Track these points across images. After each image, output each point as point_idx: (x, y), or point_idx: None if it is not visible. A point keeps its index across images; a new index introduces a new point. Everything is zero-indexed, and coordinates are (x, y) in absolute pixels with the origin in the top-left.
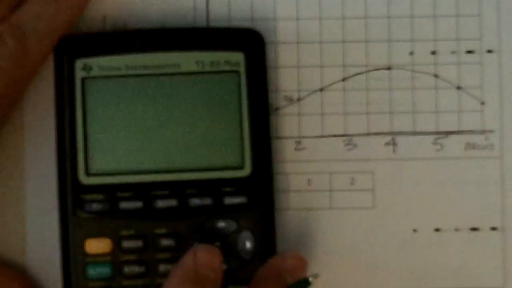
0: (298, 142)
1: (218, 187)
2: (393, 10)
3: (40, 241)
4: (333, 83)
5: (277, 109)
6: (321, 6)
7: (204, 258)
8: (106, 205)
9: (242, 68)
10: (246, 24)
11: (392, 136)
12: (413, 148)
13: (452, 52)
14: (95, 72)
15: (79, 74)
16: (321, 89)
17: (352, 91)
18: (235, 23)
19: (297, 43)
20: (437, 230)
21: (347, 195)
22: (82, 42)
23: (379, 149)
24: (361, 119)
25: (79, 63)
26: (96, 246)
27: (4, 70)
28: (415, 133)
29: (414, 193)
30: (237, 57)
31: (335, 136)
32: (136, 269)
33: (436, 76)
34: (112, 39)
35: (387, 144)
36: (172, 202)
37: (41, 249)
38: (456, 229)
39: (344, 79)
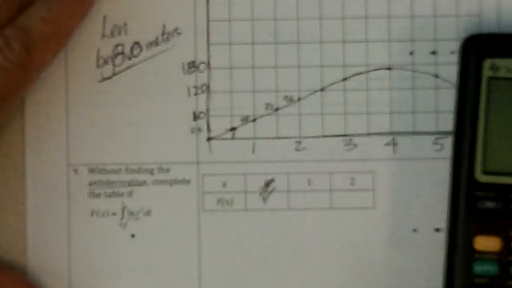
0: (298, 142)
1: None
2: (393, 10)
3: (40, 241)
4: (333, 83)
5: (277, 109)
6: (321, 6)
7: None
8: (499, 204)
9: None
10: (246, 24)
11: (392, 136)
12: (413, 148)
13: (452, 52)
14: (502, 72)
15: (486, 73)
16: (321, 89)
17: (352, 91)
18: (235, 23)
19: (298, 43)
20: (437, 230)
21: (347, 195)
22: (491, 41)
23: (379, 149)
24: (361, 119)
25: (487, 63)
26: (486, 243)
27: (9, 74)
28: (415, 133)
29: (414, 193)
30: None
31: (335, 136)
32: None
33: (436, 76)
34: None
35: (387, 144)
36: None
37: (41, 249)
38: None
39: (344, 79)
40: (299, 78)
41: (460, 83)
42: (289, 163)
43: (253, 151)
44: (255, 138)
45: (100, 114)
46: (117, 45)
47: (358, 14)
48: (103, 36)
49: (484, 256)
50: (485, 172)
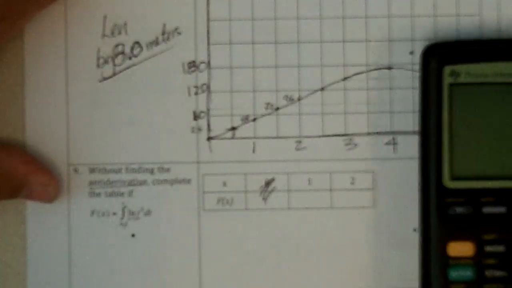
0: (299, 142)
1: None
2: (393, 10)
3: (40, 241)
4: (334, 82)
5: (277, 109)
6: (321, 6)
7: None
8: (470, 209)
9: None
10: (246, 23)
11: (393, 136)
12: (414, 147)
13: None
14: (462, 78)
15: (447, 80)
16: (322, 89)
17: (353, 90)
18: (235, 23)
19: (298, 42)
20: None
21: (347, 194)
22: (450, 48)
23: (379, 149)
24: (361, 119)
25: (447, 69)
26: (459, 249)
27: None
28: (415, 132)
29: (414, 193)
30: None
31: (335, 135)
32: (497, 273)
33: None
34: (480, 46)
35: (387, 143)
36: None
37: (41, 249)
38: None
39: (344, 79)
40: (299, 77)
41: (422, 91)
42: (289, 162)
43: (253, 151)
44: (255, 137)
45: (100, 114)
46: (117, 45)
47: (358, 14)
48: (103, 35)
49: (459, 262)
50: (453, 178)
